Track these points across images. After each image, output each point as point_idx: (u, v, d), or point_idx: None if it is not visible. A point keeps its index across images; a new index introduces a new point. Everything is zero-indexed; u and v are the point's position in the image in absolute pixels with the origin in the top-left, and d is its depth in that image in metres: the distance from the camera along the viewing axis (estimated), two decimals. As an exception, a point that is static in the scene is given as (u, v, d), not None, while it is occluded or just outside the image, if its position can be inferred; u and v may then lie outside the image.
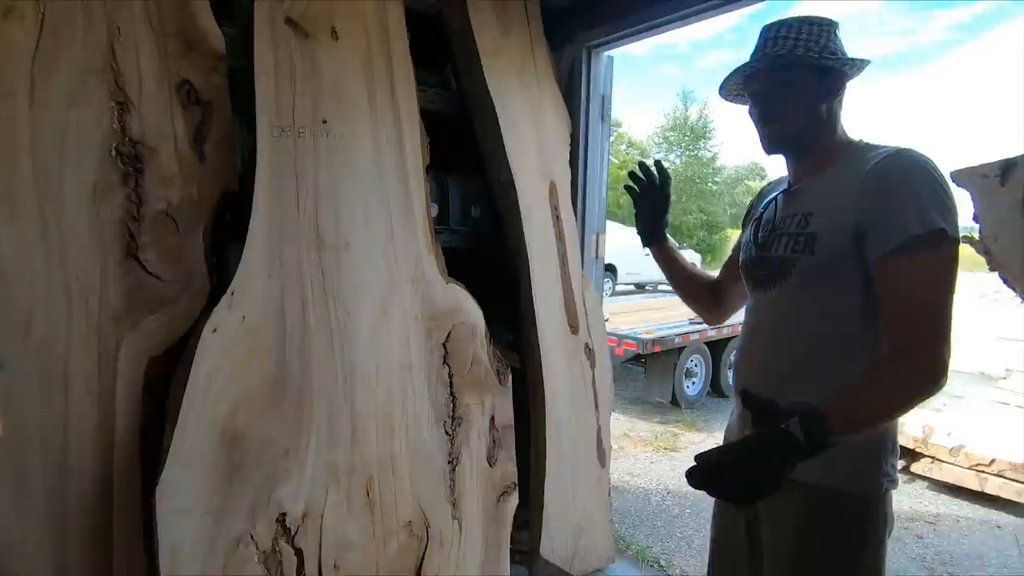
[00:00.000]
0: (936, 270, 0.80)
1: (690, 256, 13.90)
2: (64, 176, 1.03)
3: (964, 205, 0.91)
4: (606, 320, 2.03)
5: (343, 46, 1.35)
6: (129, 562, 1.07)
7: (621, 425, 4.50)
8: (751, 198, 1.24)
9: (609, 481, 1.93)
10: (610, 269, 10.55)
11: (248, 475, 1.12)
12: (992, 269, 0.84)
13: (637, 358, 4.74)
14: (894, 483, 0.92)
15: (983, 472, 3.29)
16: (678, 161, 25.28)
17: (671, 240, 1.31)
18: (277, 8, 1.26)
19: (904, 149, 0.87)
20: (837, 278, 0.88)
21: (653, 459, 3.88)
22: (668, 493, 3.36)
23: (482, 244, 1.80)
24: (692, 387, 5.05)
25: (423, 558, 1.40)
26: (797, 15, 0.97)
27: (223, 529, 1.09)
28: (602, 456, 1.88)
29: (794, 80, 0.93)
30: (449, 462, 1.46)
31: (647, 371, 4.97)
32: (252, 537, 1.13)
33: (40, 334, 1.00)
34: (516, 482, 1.60)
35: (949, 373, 0.81)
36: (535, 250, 1.67)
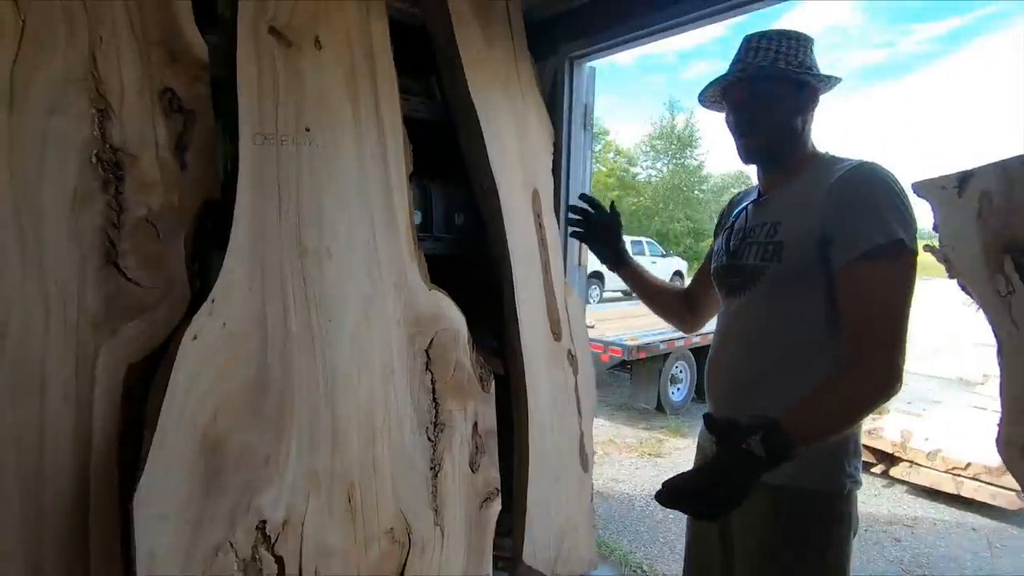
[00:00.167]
0: (894, 278, 0.84)
1: (677, 263, 14.03)
2: (43, 183, 1.03)
3: (926, 215, 0.95)
4: (592, 327, 2.06)
5: (327, 56, 1.36)
6: (106, 569, 1.06)
7: (607, 431, 4.52)
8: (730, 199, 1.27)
9: (592, 487, 1.95)
10: (597, 276, 10.62)
11: (228, 482, 1.12)
12: (951, 277, 0.88)
13: (623, 364, 4.78)
14: (857, 483, 0.95)
15: (959, 476, 3.36)
16: (665, 169, 25.57)
17: (634, 260, 1.33)
18: (261, 18, 1.27)
19: (867, 162, 0.91)
20: (804, 285, 0.91)
21: (638, 465, 3.91)
22: (652, 498, 3.39)
23: (465, 251, 1.82)
24: (677, 393, 5.09)
25: (405, 564, 1.40)
26: (777, 28, 1.00)
27: (202, 537, 1.09)
28: (585, 462, 1.90)
29: (775, 92, 0.96)
30: (431, 468, 1.47)
31: (633, 377, 5.01)
32: (231, 545, 1.13)
33: (16, 340, 1.00)
34: (499, 488, 1.61)
35: (904, 378, 0.84)
36: (518, 257, 1.69)
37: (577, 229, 1.29)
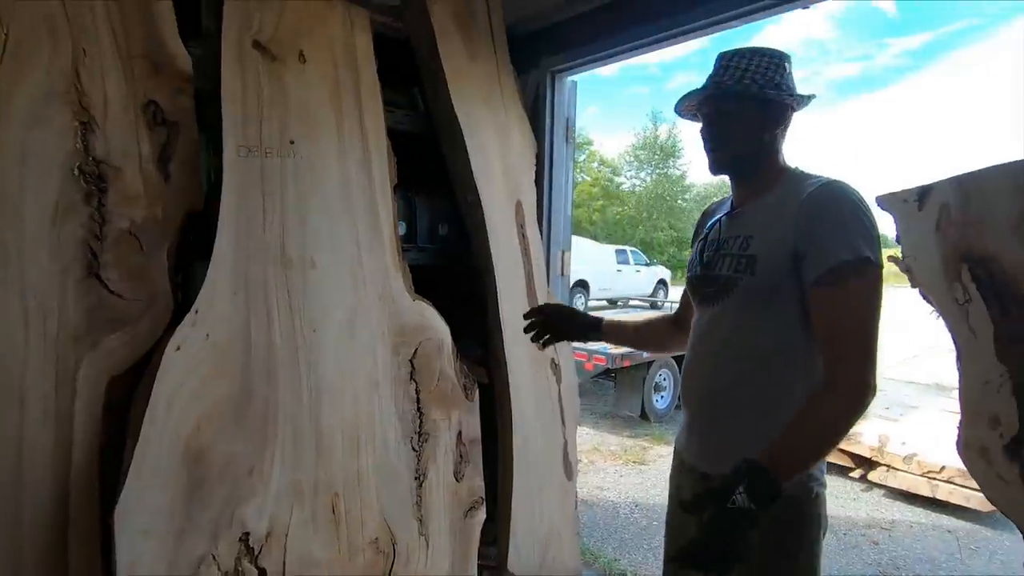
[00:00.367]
0: (862, 294, 0.87)
1: (661, 272, 14.16)
2: (24, 196, 1.03)
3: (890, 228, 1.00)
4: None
5: (311, 69, 1.38)
6: (86, 584, 1.06)
7: (591, 439, 4.54)
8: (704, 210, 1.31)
9: (576, 495, 1.96)
10: (582, 285, 10.68)
11: (211, 493, 1.12)
12: (913, 286, 0.92)
13: (607, 373, 4.81)
14: (823, 485, 0.99)
15: (934, 479, 3.44)
16: (649, 179, 25.87)
17: (604, 320, 1.34)
18: (245, 32, 1.29)
19: (835, 180, 0.95)
20: (777, 297, 0.95)
21: (622, 472, 3.93)
22: (636, 506, 3.41)
23: (449, 261, 1.84)
24: (661, 401, 5.14)
25: (390, 574, 1.40)
26: (752, 46, 1.03)
27: (184, 549, 1.08)
28: (569, 470, 1.91)
29: (738, 110, 1.00)
30: (416, 478, 1.47)
31: (617, 385, 5.04)
32: (214, 557, 1.12)
33: (-5, 353, 0.99)
34: (483, 497, 1.62)
35: (878, 386, 0.88)
36: (502, 267, 1.71)
37: (544, 337, 1.32)
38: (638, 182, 26.21)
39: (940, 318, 0.88)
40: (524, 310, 1.74)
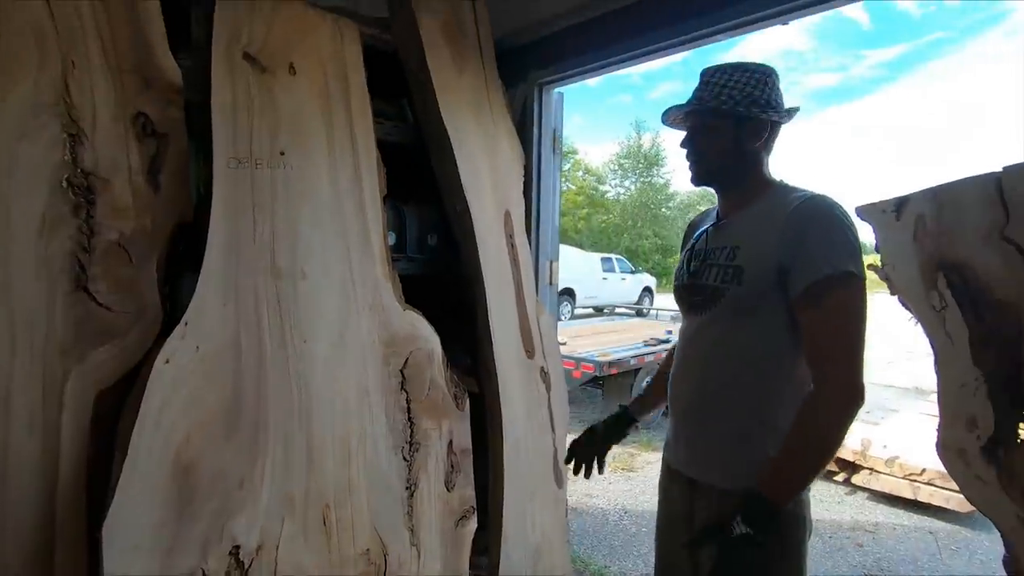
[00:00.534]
0: (846, 305, 0.91)
1: (646, 279, 14.27)
2: (11, 207, 1.02)
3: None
4: (563, 343, 2.10)
5: (301, 81, 1.39)
6: (72, 602, 1.04)
7: (580, 447, 4.55)
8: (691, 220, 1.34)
9: (567, 502, 1.97)
10: (568, 293, 10.73)
11: (201, 507, 1.11)
12: (892, 294, 0.95)
13: (595, 380, 4.83)
14: (807, 488, 1.01)
15: (916, 481, 3.50)
16: (633, 187, 26.14)
17: (628, 406, 1.37)
18: (235, 44, 1.29)
19: (819, 195, 0.99)
20: (763, 306, 0.98)
21: (611, 480, 3.94)
22: (625, 513, 3.42)
23: (438, 271, 1.84)
24: (648, 407, 5.16)
25: (380, 586, 1.39)
26: (735, 61, 1.06)
27: (173, 564, 1.07)
28: (559, 477, 1.92)
29: (715, 126, 1.04)
30: (407, 488, 1.47)
31: (604, 393, 5.06)
32: (204, 572, 1.11)
33: (-20, 367, 0.98)
34: (474, 506, 1.62)
35: (865, 395, 0.91)
36: (491, 276, 1.72)
37: (597, 463, 1.35)
38: (622, 190, 26.49)
39: (918, 324, 0.91)
40: (513, 319, 1.76)
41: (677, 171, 25.65)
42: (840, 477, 3.85)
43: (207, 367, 1.15)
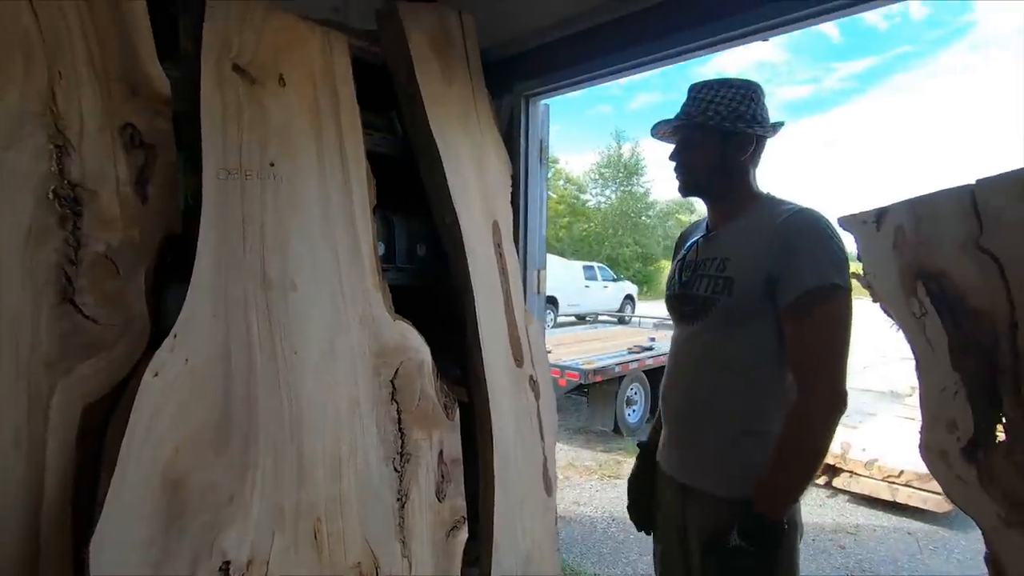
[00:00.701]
0: (831, 316, 0.94)
1: (628, 287, 14.39)
2: (-5, 220, 1.00)
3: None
4: (549, 352, 2.12)
5: (290, 93, 1.39)
6: (56, 623, 1.01)
7: (566, 455, 4.55)
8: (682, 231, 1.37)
9: (556, 511, 1.98)
10: (551, 301, 10.77)
11: (190, 522, 1.09)
12: (874, 301, 0.98)
13: (579, 388, 4.85)
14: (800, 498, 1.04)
15: (894, 483, 3.58)
16: (613, 196, 26.40)
17: (652, 446, 1.32)
18: (224, 55, 1.29)
19: (806, 208, 1.02)
20: (753, 315, 1.01)
21: (598, 487, 3.95)
22: (613, 520, 3.43)
23: (428, 281, 1.85)
24: (633, 414, 5.20)
25: (372, 599, 1.38)
26: (722, 77, 1.10)
27: (162, 582, 1.05)
28: (548, 486, 1.93)
29: (700, 140, 1.07)
30: (398, 499, 1.46)
31: (589, 401, 5.08)
32: (193, 588, 1.09)
33: (-37, 383, 0.95)
34: (465, 516, 1.62)
35: (848, 402, 0.94)
36: (480, 286, 1.73)
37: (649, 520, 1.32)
38: (603, 199, 26.74)
39: (900, 330, 0.94)
40: (502, 328, 1.77)
41: (656, 180, 26.01)
42: (821, 480, 3.92)
43: (196, 379, 1.14)
